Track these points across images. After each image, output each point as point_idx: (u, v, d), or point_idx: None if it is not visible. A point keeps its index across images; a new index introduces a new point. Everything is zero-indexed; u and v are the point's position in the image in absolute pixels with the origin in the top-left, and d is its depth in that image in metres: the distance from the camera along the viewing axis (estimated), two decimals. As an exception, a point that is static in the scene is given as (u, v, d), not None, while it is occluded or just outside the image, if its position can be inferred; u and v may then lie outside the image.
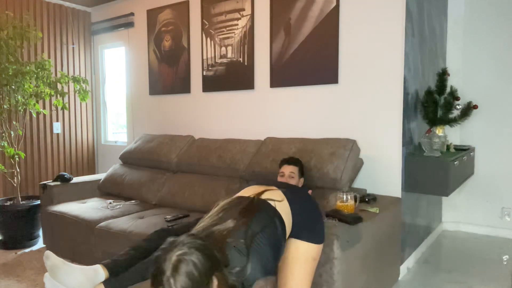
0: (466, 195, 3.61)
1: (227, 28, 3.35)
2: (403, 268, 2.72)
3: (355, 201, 2.16)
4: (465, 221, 3.64)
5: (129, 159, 3.59)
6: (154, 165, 3.39)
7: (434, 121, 2.85)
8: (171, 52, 3.81)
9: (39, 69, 3.37)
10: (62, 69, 4.28)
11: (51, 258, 1.73)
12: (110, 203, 3.08)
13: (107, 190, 3.43)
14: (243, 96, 3.32)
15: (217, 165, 2.99)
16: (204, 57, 3.54)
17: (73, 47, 4.40)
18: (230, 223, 1.33)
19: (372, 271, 2.15)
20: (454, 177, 2.65)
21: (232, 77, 3.35)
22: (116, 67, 4.57)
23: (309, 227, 1.58)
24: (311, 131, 2.94)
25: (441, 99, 2.91)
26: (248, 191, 1.60)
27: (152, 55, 3.98)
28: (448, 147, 2.98)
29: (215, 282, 1.19)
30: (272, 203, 1.49)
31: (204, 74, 3.55)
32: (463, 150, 3.12)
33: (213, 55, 3.47)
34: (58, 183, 3.24)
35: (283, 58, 3.03)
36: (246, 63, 3.26)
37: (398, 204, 2.52)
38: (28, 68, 3.31)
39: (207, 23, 3.49)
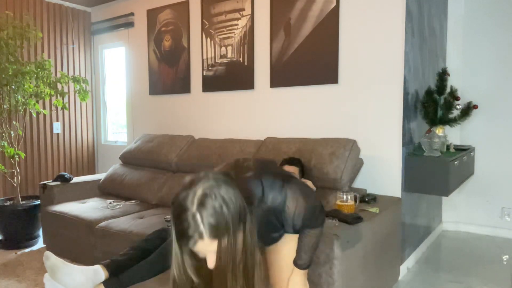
0: (466, 195, 3.61)
1: (227, 28, 3.35)
2: (403, 268, 2.72)
3: (355, 201, 2.16)
4: (465, 221, 3.64)
5: (129, 159, 3.59)
6: (154, 165, 3.39)
7: (434, 121, 2.85)
8: (171, 52, 3.81)
9: (39, 69, 3.37)
10: (62, 69, 4.28)
11: (51, 259, 1.73)
12: (110, 203, 3.08)
13: (107, 190, 3.43)
14: (243, 96, 3.32)
15: (217, 165, 2.98)
16: (204, 57, 3.54)
17: (73, 47, 4.40)
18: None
19: (372, 271, 2.15)
20: (454, 177, 2.65)
21: (232, 77, 3.35)
22: (116, 67, 4.57)
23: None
24: (311, 131, 2.94)
25: (441, 99, 2.91)
26: None
27: (152, 55, 3.98)
28: (448, 147, 2.98)
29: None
30: None
31: (204, 74, 3.55)
32: (463, 150, 3.11)
33: (213, 55, 3.47)
34: (58, 183, 3.24)
35: (283, 58, 3.03)
36: (246, 63, 3.26)
37: (398, 204, 2.53)
38: (28, 68, 3.31)
39: (207, 23, 3.49)
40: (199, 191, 1.02)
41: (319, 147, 2.57)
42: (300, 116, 2.99)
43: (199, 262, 1.15)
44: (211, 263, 1.07)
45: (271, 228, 1.39)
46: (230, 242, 1.05)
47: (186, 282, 1.16)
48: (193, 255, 1.13)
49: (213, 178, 1.06)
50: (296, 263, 1.46)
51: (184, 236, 1.03)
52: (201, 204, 1.01)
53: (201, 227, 1.01)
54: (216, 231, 1.02)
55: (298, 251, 1.45)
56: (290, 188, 1.29)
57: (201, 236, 1.02)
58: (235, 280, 1.10)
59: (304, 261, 1.45)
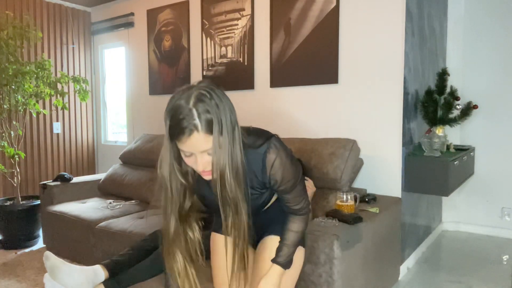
0: (466, 195, 3.61)
1: (227, 28, 3.35)
2: (403, 268, 2.72)
3: (355, 201, 2.15)
4: (465, 221, 3.64)
5: (129, 159, 3.59)
6: (154, 165, 3.37)
7: (434, 121, 2.85)
8: (171, 52, 3.81)
9: (39, 69, 3.37)
10: (62, 69, 4.28)
11: (51, 259, 1.73)
12: (110, 203, 3.08)
13: (107, 190, 3.43)
14: (243, 96, 3.31)
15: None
16: (204, 57, 3.54)
17: (73, 47, 4.40)
18: None
19: (372, 271, 2.15)
20: (454, 177, 2.65)
21: (232, 77, 3.35)
22: (116, 67, 4.57)
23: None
24: (311, 131, 2.94)
25: (441, 99, 2.91)
26: None
27: (152, 55, 3.98)
28: (448, 147, 2.98)
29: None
30: None
31: (204, 74, 3.55)
32: (463, 150, 3.12)
33: (213, 55, 3.47)
34: (58, 183, 3.24)
35: (283, 58, 3.03)
36: (246, 63, 3.26)
37: (398, 204, 2.53)
38: (28, 68, 3.31)
39: (207, 23, 3.49)
40: (195, 92, 1.06)
41: (319, 147, 2.56)
42: (300, 116, 2.99)
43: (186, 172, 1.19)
44: (200, 165, 1.10)
45: (251, 179, 1.28)
46: (224, 141, 1.08)
47: (176, 187, 1.20)
48: (180, 163, 1.17)
49: (206, 83, 1.10)
50: (276, 260, 1.39)
51: (177, 128, 1.05)
52: (198, 101, 1.04)
53: (197, 120, 1.04)
54: (212, 126, 1.05)
55: (280, 246, 1.39)
56: (276, 141, 1.25)
57: (196, 128, 1.04)
58: (232, 182, 1.13)
59: (284, 257, 1.38)
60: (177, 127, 1.05)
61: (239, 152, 1.15)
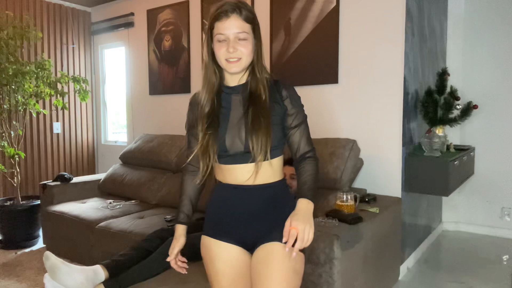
0: (466, 195, 3.61)
1: (227, 28, 3.35)
2: (403, 268, 2.72)
3: (355, 201, 2.16)
4: (465, 221, 3.64)
5: (129, 159, 3.59)
6: (154, 165, 3.39)
7: (434, 121, 2.85)
8: (171, 52, 3.81)
9: (39, 69, 3.37)
10: (62, 69, 4.27)
11: (51, 259, 1.73)
12: (110, 203, 3.08)
13: (107, 190, 3.43)
14: (243, 96, 3.31)
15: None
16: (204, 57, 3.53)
17: (73, 47, 4.40)
18: None
19: (372, 271, 2.15)
20: (454, 177, 2.65)
21: (232, 77, 3.35)
22: (116, 67, 4.57)
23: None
24: (311, 131, 2.92)
25: (441, 99, 2.91)
26: None
27: (152, 55, 3.98)
28: (448, 147, 2.98)
29: None
30: None
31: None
32: (463, 150, 3.12)
33: (213, 55, 3.47)
34: (58, 183, 3.24)
35: (283, 58, 3.03)
36: (246, 63, 3.25)
37: (398, 204, 2.53)
38: (28, 68, 3.31)
39: (207, 23, 3.49)
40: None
41: (319, 147, 2.56)
42: (300, 116, 2.99)
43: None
44: (231, 47, 1.22)
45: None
46: (256, 43, 1.26)
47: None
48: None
49: None
50: (302, 194, 1.30)
51: (220, 9, 1.22)
52: (243, 4, 1.23)
53: (241, 7, 1.20)
54: (251, 19, 1.23)
55: (300, 185, 1.36)
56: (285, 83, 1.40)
57: (238, 11, 1.20)
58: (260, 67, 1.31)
59: (310, 192, 1.33)
60: (220, 8, 1.21)
61: (263, 66, 1.31)
